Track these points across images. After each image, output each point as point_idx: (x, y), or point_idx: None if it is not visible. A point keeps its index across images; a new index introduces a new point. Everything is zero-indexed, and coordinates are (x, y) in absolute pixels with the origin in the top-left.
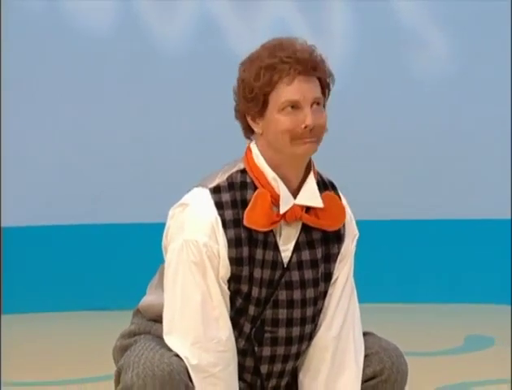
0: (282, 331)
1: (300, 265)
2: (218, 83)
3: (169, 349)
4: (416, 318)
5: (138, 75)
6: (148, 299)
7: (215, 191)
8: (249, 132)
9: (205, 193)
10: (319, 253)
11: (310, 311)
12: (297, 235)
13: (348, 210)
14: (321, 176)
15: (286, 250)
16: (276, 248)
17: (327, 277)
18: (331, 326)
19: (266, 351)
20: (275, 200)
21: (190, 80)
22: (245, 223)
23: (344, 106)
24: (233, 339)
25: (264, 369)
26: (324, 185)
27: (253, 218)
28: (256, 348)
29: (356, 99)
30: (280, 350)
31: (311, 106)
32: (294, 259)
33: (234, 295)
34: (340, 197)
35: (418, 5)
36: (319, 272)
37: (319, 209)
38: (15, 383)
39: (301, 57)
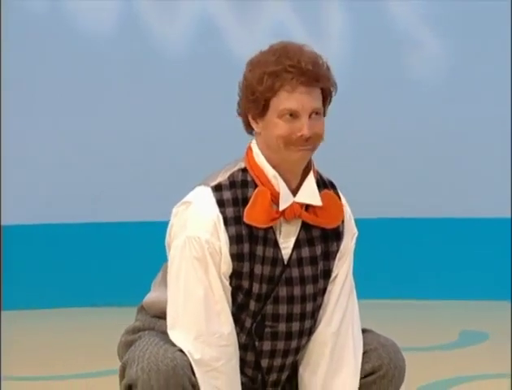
0: (282, 327)
1: (300, 262)
2: (217, 84)
3: (173, 345)
4: (412, 314)
5: (139, 76)
6: (152, 296)
7: (217, 189)
8: (249, 128)
9: (207, 192)
10: (319, 250)
11: (309, 307)
12: (296, 232)
13: (347, 209)
14: (320, 175)
15: (286, 247)
16: (276, 245)
17: (327, 274)
18: (331, 322)
19: (267, 346)
20: (275, 197)
21: (190, 80)
22: (245, 219)
23: (341, 106)
24: (235, 333)
25: (265, 363)
26: (324, 184)
27: (253, 215)
28: (257, 343)
29: (352, 99)
30: (280, 345)
31: (310, 115)
32: (294, 256)
33: (235, 291)
34: (339, 196)
35: (413, 6)
36: (319, 269)
37: (318, 207)
38: (16, 378)
39: (304, 68)
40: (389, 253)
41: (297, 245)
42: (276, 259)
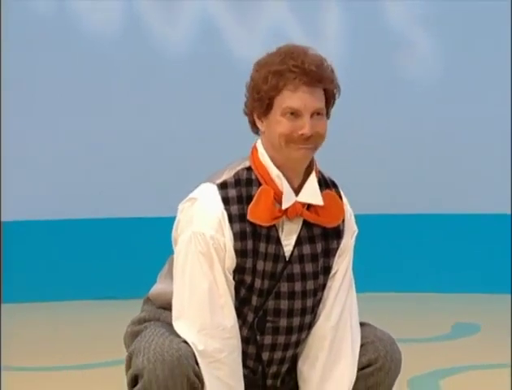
0: (283, 321)
1: (301, 258)
2: (218, 83)
3: (177, 336)
4: (407, 306)
5: (141, 76)
6: (158, 288)
7: (222, 187)
8: (254, 127)
9: (212, 189)
10: (319, 247)
11: (310, 302)
12: (298, 230)
13: (348, 208)
14: (323, 175)
15: (288, 245)
16: (279, 242)
17: (327, 270)
18: (330, 316)
19: (268, 339)
20: (278, 196)
21: (191, 80)
22: (249, 217)
23: (338, 106)
24: (237, 327)
25: (265, 356)
26: (325, 184)
27: (257, 213)
28: (258, 337)
29: (349, 99)
30: (281, 339)
31: (312, 115)
32: (296, 253)
33: (238, 285)
34: (340, 196)
35: (408, 7)
36: (319, 266)
37: (319, 206)
38: (17, 368)
39: (307, 68)
40: (386, 247)
41: (299, 243)
42: (278, 256)
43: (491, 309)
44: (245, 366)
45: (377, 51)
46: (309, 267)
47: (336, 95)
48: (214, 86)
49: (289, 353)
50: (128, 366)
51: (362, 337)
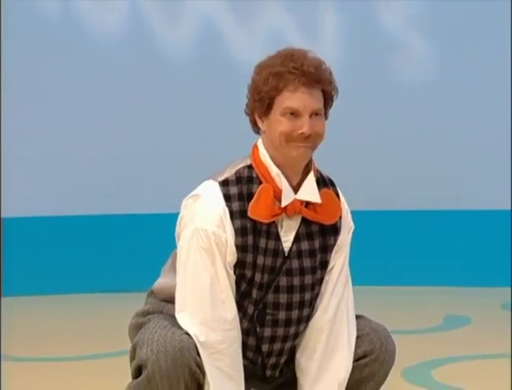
0: (282, 314)
1: (299, 254)
2: (219, 85)
3: (180, 328)
4: (401, 299)
5: (145, 78)
6: (161, 281)
7: (224, 184)
8: (255, 127)
9: (214, 186)
10: (317, 243)
11: (308, 296)
12: (297, 227)
13: (344, 206)
14: (321, 174)
15: (287, 241)
16: (278, 238)
17: (324, 265)
18: (327, 309)
19: (267, 332)
20: (278, 194)
21: (193, 82)
22: (249, 214)
23: (336, 105)
24: (238, 319)
25: (265, 348)
26: (324, 182)
27: (257, 210)
28: (258, 329)
29: (345, 99)
30: (280, 331)
31: (310, 115)
32: (294, 249)
33: (239, 280)
34: (337, 194)
35: (403, 10)
36: (317, 261)
37: (318, 204)
38: (22, 359)
39: (307, 70)
40: (382, 243)
41: (297, 239)
42: (277, 251)
43: (481, 302)
44: (244, 357)
45: (373, 53)
46: (307, 262)
47: (334, 96)
48: (215, 87)
49: (288, 344)
50: (133, 357)
51: (358, 329)
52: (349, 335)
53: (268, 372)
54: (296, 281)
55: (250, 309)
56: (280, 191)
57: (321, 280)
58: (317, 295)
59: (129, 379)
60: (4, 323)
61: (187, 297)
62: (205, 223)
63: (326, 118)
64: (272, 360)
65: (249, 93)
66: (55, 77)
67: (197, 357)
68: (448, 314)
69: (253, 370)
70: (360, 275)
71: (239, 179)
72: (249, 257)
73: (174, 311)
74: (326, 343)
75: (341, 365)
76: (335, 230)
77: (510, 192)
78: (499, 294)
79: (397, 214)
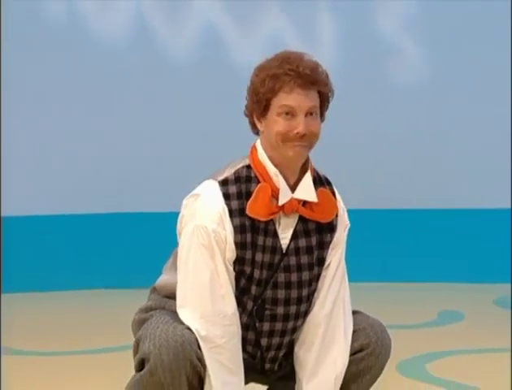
0: (280, 309)
1: (297, 251)
2: (220, 87)
3: (181, 323)
4: (396, 295)
5: (149, 81)
6: (163, 279)
7: (223, 184)
8: (254, 128)
9: (214, 185)
10: (314, 240)
11: (305, 292)
12: (294, 224)
13: (341, 204)
14: (318, 173)
15: (285, 238)
16: (276, 235)
17: (321, 262)
18: (324, 305)
19: (266, 326)
20: (276, 193)
21: (195, 84)
22: (248, 212)
23: (333, 107)
24: (238, 314)
25: (264, 342)
26: (320, 181)
27: (255, 208)
28: (257, 324)
29: (344, 103)
30: (278, 326)
31: (306, 115)
32: (292, 246)
33: (238, 276)
34: (334, 193)
35: (398, 16)
36: (314, 257)
37: (314, 203)
38: (19, 352)
39: (302, 72)
40: (378, 241)
41: (295, 236)
42: (275, 248)
43: (474, 298)
44: (244, 350)
45: (369, 57)
46: (304, 259)
47: (330, 98)
48: (216, 89)
49: (286, 339)
50: (136, 351)
51: (355, 324)
52: (345, 330)
53: (267, 365)
54: (293, 277)
55: (249, 305)
56: (278, 190)
57: (318, 276)
58: (314, 290)
59: (132, 372)
60: (9, 318)
61: (188, 293)
62: (205, 221)
63: (322, 119)
64: (271, 354)
65: (248, 95)
66: (58, 78)
67: (198, 351)
68: (442, 310)
69: (253, 363)
70: (357, 271)
71: (238, 178)
72: (248, 254)
73: (176, 307)
74: (323, 337)
75: (338, 358)
76: (331, 227)
77: (510, 192)
78: (491, 290)
79: (392, 213)
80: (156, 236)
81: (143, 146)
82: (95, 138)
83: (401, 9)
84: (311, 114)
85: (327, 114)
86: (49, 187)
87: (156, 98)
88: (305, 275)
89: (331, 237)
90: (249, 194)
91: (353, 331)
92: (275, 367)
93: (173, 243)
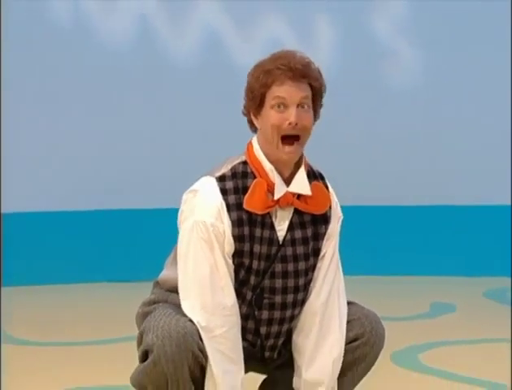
0: (278, 298)
1: (293, 242)
2: (221, 90)
3: (184, 315)
4: (390, 288)
5: (152, 83)
6: (165, 274)
7: (221, 179)
8: (253, 126)
9: (212, 181)
10: (309, 232)
11: (301, 281)
12: (290, 217)
13: (334, 197)
14: (311, 168)
15: (281, 230)
16: (273, 227)
17: (316, 252)
18: (320, 294)
19: (265, 315)
20: (271, 187)
21: (197, 86)
22: (245, 206)
23: (330, 108)
24: (237, 305)
25: (263, 330)
26: (314, 176)
27: (252, 203)
28: (256, 313)
29: (341, 104)
30: (277, 314)
31: (298, 106)
32: (288, 237)
33: (238, 268)
34: (327, 186)
35: (393, 20)
36: (309, 248)
37: (308, 196)
38: (20, 341)
39: (293, 66)
40: (372, 236)
41: (291, 228)
42: (272, 240)
43: (464, 291)
44: (245, 339)
45: (365, 60)
46: (300, 250)
47: (323, 93)
48: (216, 91)
49: (284, 327)
50: (140, 343)
51: (350, 314)
52: (340, 318)
53: (267, 353)
54: (290, 267)
55: (248, 295)
56: (273, 184)
57: (314, 266)
58: (310, 280)
59: (136, 362)
60: (7, 311)
61: (189, 286)
62: (203, 216)
63: (317, 116)
64: (270, 342)
65: (245, 94)
66: (61, 78)
67: (200, 343)
68: (434, 302)
69: (253, 352)
70: (352, 265)
71: (234, 174)
72: (246, 247)
73: (178, 300)
74: (320, 325)
75: (334, 345)
76: (325, 219)
77: (509, 188)
78: (482, 283)
79: (386, 210)
80: (157, 231)
81: (144, 146)
82: (97, 137)
83: (396, 12)
84: (303, 106)
85: (324, 114)
86: (51, 184)
87: (158, 99)
88: (302, 265)
89: (326, 229)
90: (245, 189)
91: (349, 321)
92: (275, 355)
93: (174, 237)
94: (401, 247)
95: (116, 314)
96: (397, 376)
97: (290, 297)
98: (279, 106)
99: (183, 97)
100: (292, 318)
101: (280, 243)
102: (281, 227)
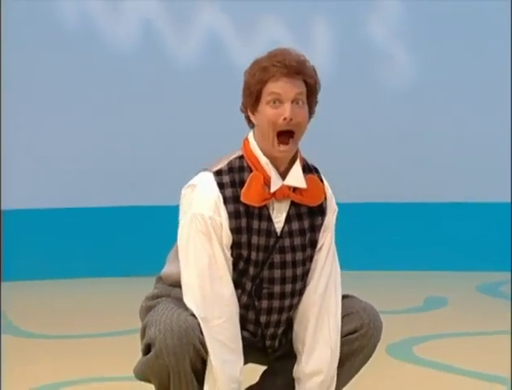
0: (277, 288)
1: (290, 233)
2: (221, 90)
3: (185, 310)
4: (384, 283)
5: (156, 85)
6: (168, 269)
7: (218, 174)
8: (250, 123)
9: (209, 176)
10: (306, 223)
11: (299, 271)
12: (287, 209)
13: (328, 190)
14: (306, 162)
15: (278, 221)
16: (270, 219)
17: (313, 244)
18: (318, 286)
19: (265, 304)
20: (267, 181)
21: (198, 87)
22: (242, 199)
23: (328, 109)
24: (235, 296)
25: (263, 319)
26: (309, 169)
27: (249, 196)
28: (256, 303)
29: (338, 105)
30: (276, 303)
31: (292, 102)
32: (286, 229)
33: (237, 259)
34: (321, 179)
35: (388, 25)
36: (306, 239)
37: (304, 189)
38: (23, 333)
39: (288, 63)
40: (367, 232)
41: (288, 220)
42: (270, 231)
43: (457, 285)
44: (245, 329)
45: (361, 63)
46: (297, 241)
47: (318, 90)
48: (217, 93)
49: (284, 316)
50: (143, 336)
51: (349, 307)
52: (336, 309)
53: (268, 342)
54: (288, 258)
55: (248, 286)
56: (269, 178)
57: (311, 257)
58: (308, 270)
59: (139, 355)
60: (10, 305)
61: (190, 278)
62: (201, 209)
63: (312, 114)
64: (270, 331)
65: (243, 91)
66: (63, 78)
67: (201, 336)
68: (428, 296)
69: (254, 341)
70: (348, 260)
71: (231, 168)
72: (244, 238)
73: (181, 294)
74: (317, 315)
75: (331, 332)
76: (321, 211)
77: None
78: (474, 278)
79: (380, 206)
80: (158, 227)
81: (146, 146)
82: (99, 136)
83: (392, 15)
84: (298, 102)
85: (321, 116)
86: (52, 182)
87: (160, 100)
88: (299, 256)
89: (322, 220)
90: (242, 182)
91: (347, 314)
92: (276, 344)
93: (175, 234)
94: (395, 243)
95: (119, 307)
96: (392, 368)
97: (288, 287)
98: (274, 102)
99: (185, 98)
100: (291, 307)
101: (278, 234)
102: (278, 219)
